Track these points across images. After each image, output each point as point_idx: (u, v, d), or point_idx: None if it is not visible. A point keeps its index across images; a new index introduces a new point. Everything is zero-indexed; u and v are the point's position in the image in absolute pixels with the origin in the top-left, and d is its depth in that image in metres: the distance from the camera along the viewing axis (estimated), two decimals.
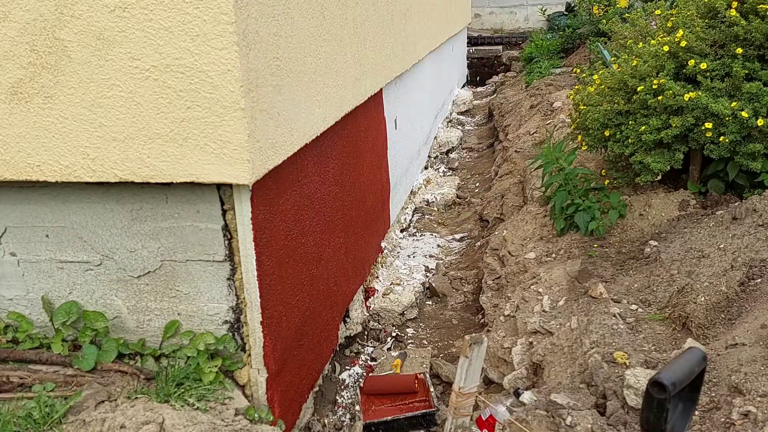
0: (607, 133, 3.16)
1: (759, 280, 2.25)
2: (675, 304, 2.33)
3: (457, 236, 4.69)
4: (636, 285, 2.60)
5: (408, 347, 3.44)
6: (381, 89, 3.82)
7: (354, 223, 3.35)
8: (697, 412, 1.78)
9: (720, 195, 3.00)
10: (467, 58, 10.50)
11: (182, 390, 2.05)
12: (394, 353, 3.35)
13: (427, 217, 5.13)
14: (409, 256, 4.34)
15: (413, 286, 3.83)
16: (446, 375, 3.11)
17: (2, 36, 1.94)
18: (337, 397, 3.06)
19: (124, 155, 1.98)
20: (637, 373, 1.93)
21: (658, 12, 3.56)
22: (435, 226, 4.97)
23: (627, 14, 4.36)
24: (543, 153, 3.46)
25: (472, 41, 11.06)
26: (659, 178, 3.17)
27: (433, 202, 5.36)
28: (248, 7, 1.87)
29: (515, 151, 5.24)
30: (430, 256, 4.39)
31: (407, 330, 3.62)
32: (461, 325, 3.65)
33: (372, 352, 3.43)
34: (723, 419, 1.74)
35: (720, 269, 2.37)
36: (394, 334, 3.57)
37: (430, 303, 3.90)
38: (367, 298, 3.64)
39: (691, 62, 2.90)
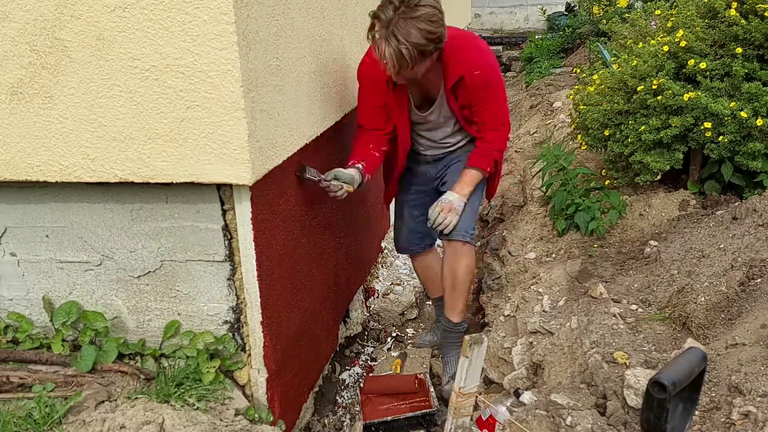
0: (606, 133, 3.16)
1: (759, 280, 2.25)
2: (675, 304, 2.33)
3: None
4: (636, 285, 2.60)
5: (408, 347, 3.44)
6: None
7: (354, 223, 3.35)
8: (697, 412, 1.78)
9: (720, 195, 3.00)
10: None
11: (182, 390, 2.05)
12: (394, 353, 3.35)
13: None
14: None
15: (413, 286, 3.82)
16: None
17: (2, 36, 1.94)
18: (337, 397, 3.06)
19: (124, 155, 1.98)
20: (637, 373, 1.93)
21: (658, 12, 3.56)
22: None
23: (627, 14, 4.36)
24: (543, 153, 3.46)
25: None
26: (659, 178, 3.17)
27: None
28: (248, 7, 1.87)
29: (515, 151, 5.24)
30: None
31: (407, 330, 3.62)
32: None
33: (372, 352, 3.43)
34: (723, 419, 1.74)
35: (720, 269, 2.37)
36: (394, 334, 3.57)
37: (430, 303, 3.90)
38: (367, 298, 3.64)
39: (691, 62, 2.90)
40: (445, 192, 2.71)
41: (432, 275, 3.08)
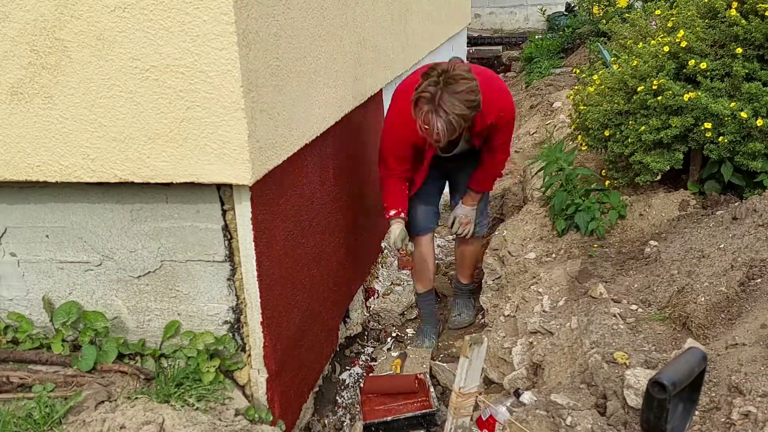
0: (607, 133, 3.16)
1: (759, 280, 2.25)
2: (675, 304, 2.33)
3: None
4: (636, 285, 2.60)
5: (408, 347, 3.44)
6: (381, 89, 3.82)
7: (354, 223, 3.35)
8: (697, 412, 1.78)
9: (720, 195, 3.00)
10: (467, 58, 10.49)
11: (182, 390, 2.05)
12: (394, 353, 3.35)
13: None
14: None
15: (413, 287, 3.82)
16: (444, 382, 3.10)
17: (2, 36, 1.94)
18: (337, 398, 3.06)
19: (124, 155, 1.98)
20: (637, 373, 1.93)
21: (658, 12, 3.56)
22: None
23: (627, 14, 4.36)
24: (543, 153, 3.46)
25: (472, 41, 11.05)
26: (659, 178, 3.17)
27: None
28: (248, 7, 1.87)
29: (515, 151, 5.24)
30: None
31: (407, 330, 3.62)
32: None
33: (372, 352, 3.43)
34: (723, 419, 1.74)
35: (720, 269, 2.37)
36: (394, 335, 3.57)
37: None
38: (367, 298, 3.64)
39: (692, 62, 2.90)
40: (457, 203, 3.30)
41: (426, 267, 3.42)
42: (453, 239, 4.09)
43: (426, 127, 2.53)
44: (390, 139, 2.92)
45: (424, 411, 2.78)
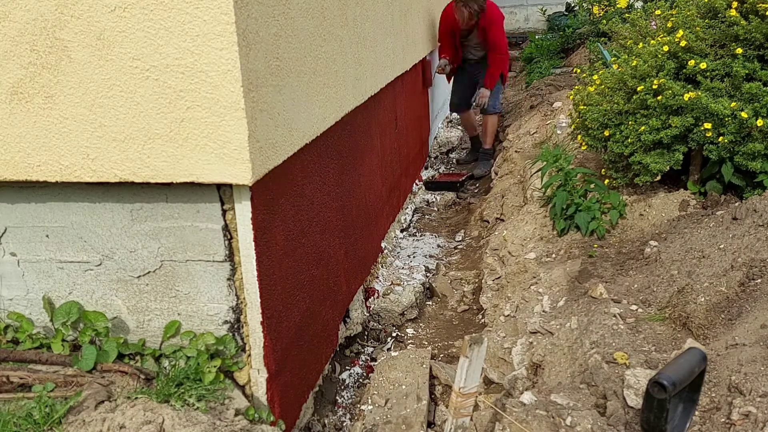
0: (606, 133, 3.16)
1: (759, 280, 2.25)
2: (675, 304, 2.33)
3: (458, 236, 4.69)
4: (636, 285, 2.60)
5: (408, 347, 3.44)
6: (381, 89, 3.82)
7: (354, 223, 3.35)
8: (697, 412, 1.78)
9: (720, 195, 3.00)
10: None
11: (182, 390, 2.05)
12: (394, 353, 3.34)
13: (427, 217, 5.13)
14: (409, 256, 4.33)
15: (413, 287, 3.82)
16: (445, 378, 3.10)
17: (2, 36, 1.94)
18: (337, 397, 3.06)
19: (124, 155, 1.98)
20: (637, 373, 1.93)
21: (658, 12, 3.56)
22: (435, 226, 4.98)
23: (627, 14, 4.36)
24: (543, 153, 3.46)
25: None
26: (658, 178, 3.17)
27: (433, 202, 5.36)
28: (248, 7, 1.87)
29: (515, 151, 5.24)
30: (430, 256, 4.39)
31: (407, 330, 3.62)
32: (461, 325, 3.65)
33: (372, 352, 3.43)
34: (723, 419, 1.74)
35: (720, 269, 2.37)
36: (394, 335, 3.57)
37: (430, 303, 3.90)
38: (367, 298, 3.64)
39: (691, 62, 2.90)
40: (480, 87, 5.78)
41: (469, 123, 6.22)
42: (453, 239, 4.44)
43: (456, 14, 5.41)
44: (441, 27, 5.78)
45: (453, 180, 5.62)
